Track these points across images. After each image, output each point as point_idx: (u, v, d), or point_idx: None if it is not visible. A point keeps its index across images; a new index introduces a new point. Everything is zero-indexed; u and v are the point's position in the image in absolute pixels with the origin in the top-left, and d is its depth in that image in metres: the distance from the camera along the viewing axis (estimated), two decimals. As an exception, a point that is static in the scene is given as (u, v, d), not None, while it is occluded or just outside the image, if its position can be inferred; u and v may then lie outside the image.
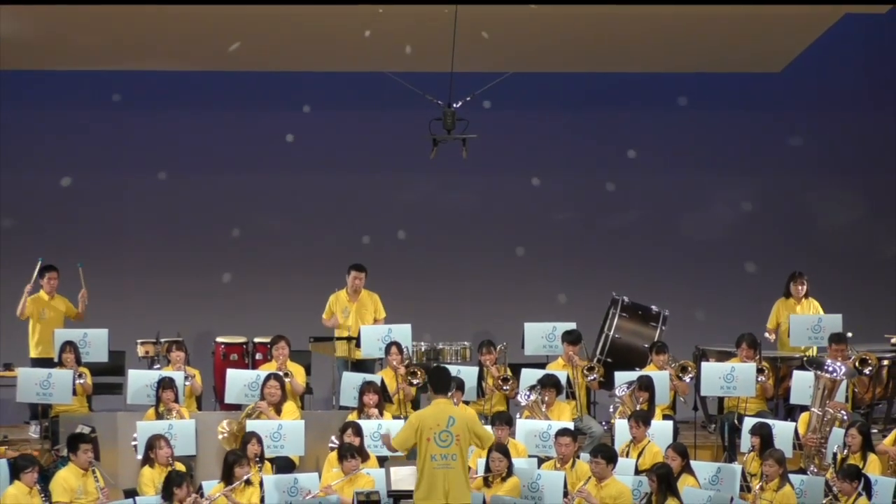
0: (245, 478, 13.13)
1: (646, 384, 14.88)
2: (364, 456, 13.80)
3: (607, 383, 15.85)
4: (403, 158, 18.36)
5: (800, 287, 16.49)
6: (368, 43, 17.25)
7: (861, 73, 19.22)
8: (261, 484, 13.31)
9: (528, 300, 18.37)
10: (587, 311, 17.09)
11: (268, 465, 13.91)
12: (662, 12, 16.68)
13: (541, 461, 14.02)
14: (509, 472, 13.33)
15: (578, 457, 13.70)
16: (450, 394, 13.71)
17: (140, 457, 14.17)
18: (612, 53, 18.04)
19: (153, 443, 13.62)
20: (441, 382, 12.67)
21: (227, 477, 13.16)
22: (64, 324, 16.29)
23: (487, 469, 13.33)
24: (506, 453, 13.38)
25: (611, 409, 15.33)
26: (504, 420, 14.24)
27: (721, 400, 15.89)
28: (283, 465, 14.32)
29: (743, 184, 19.36)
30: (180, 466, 13.63)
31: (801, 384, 15.12)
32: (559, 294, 18.76)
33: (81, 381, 15.47)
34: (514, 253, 19.19)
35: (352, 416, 14.65)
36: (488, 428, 13.86)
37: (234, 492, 13.05)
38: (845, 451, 13.64)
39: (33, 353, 16.31)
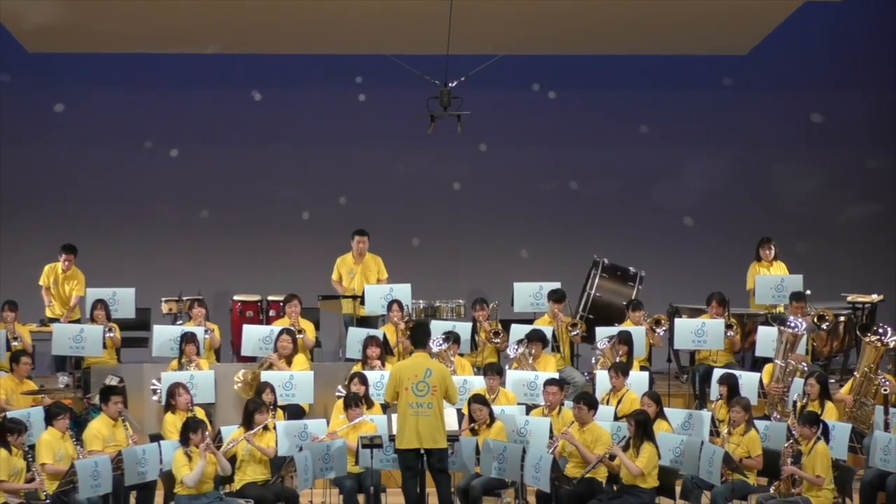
0: (263, 424, 12.98)
1: (625, 338, 14.85)
2: (369, 403, 13.69)
3: (589, 337, 15.81)
4: (404, 133, 18.21)
5: (767, 251, 16.42)
6: (372, 28, 17.16)
7: (821, 56, 19.09)
8: (274, 429, 13.17)
9: (518, 262, 18.27)
10: (571, 271, 16.98)
11: (280, 411, 13.79)
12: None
13: (528, 408, 13.91)
14: (492, 418, 13.19)
15: (563, 404, 13.58)
16: (444, 347, 13.67)
17: (155, 398, 14.44)
18: (592, 37, 17.92)
19: (173, 390, 13.49)
20: (421, 337, 12.89)
21: (248, 423, 12.99)
22: (70, 297, 16.20)
23: (472, 420, 13.19)
24: (484, 402, 13.27)
25: (592, 361, 15.32)
26: (495, 371, 14.16)
27: (693, 353, 15.85)
28: (294, 412, 14.27)
29: (713, 156, 19.22)
30: (200, 412, 13.51)
31: (766, 338, 15.04)
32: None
33: (111, 335, 15.47)
34: (505, 219, 19.05)
35: (356, 368, 14.56)
36: (480, 379, 13.83)
37: (254, 436, 12.90)
38: (805, 399, 13.54)
39: (48, 314, 16.31)
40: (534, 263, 18.08)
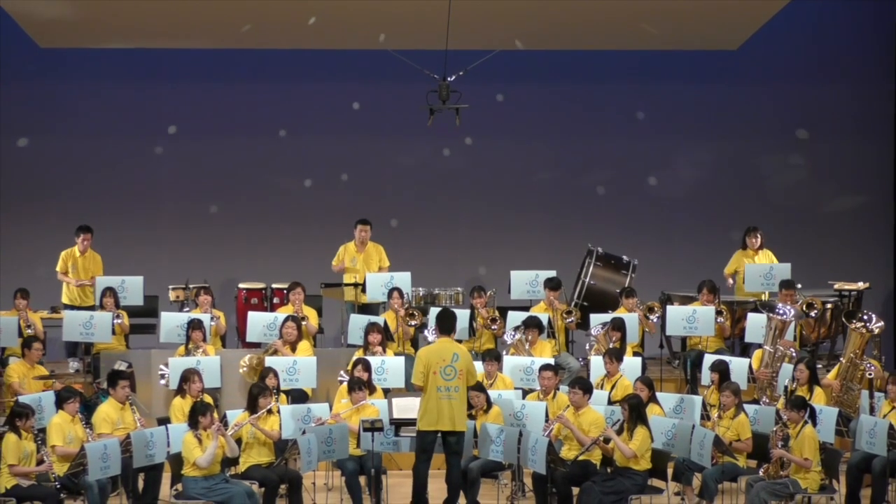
0: (268, 407, 12.94)
1: (618, 325, 14.83)
2: (371, 388, 13.66)
3: (584, 324, 15.80)
4: (404, 125, 18.20)
5: (754, 240, 16.37)
6: (375, 25, 17.14)
7: (809, 51, 19.04)
8: (278, 412, 13.14)
9: (515, 250, 18.24)
10: (566, 260, 16.96)
11: (283, 395, 13.77)
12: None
13: (525, 393, 13.89)
14: (489, 404, 13.17)
15: (558, 389, 13.56)
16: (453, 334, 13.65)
17: (163, 383, 14.49)
18: (587, 33, 17.92)
19: (188, 376, 13.43)
20: (446, 323, 12.84)
21: (252, 407, 12.95)
22: (90, 279, 16.18)
23: (469, 406, 13.16)
24: (481, 389, 13.23)
25: (587, 347, 15.33)
26: (493, 356, 14.14)
27: (684, 339, 15.83)
28: (298, 397, 14.26)
29: (702, 148, 19.19)
30: (208, 398, 13.47)
31: (755, 325, 15.03)
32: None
33: (119, 321, 15.47)
34: (502, 208, 19.01)
35: (358, 353, 14.54)
36: (478, 365, 13.89)
37: (259, 419, 12.87)
38: (794, 384, 13.53)
39: (65, 300, 16.31)
40: (530, 252, 18.04)
